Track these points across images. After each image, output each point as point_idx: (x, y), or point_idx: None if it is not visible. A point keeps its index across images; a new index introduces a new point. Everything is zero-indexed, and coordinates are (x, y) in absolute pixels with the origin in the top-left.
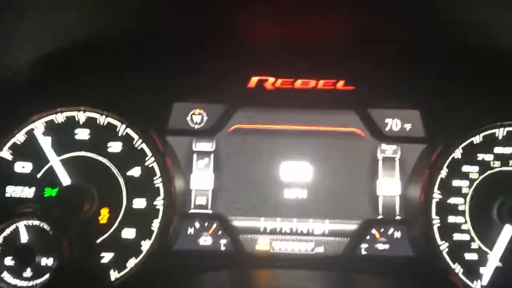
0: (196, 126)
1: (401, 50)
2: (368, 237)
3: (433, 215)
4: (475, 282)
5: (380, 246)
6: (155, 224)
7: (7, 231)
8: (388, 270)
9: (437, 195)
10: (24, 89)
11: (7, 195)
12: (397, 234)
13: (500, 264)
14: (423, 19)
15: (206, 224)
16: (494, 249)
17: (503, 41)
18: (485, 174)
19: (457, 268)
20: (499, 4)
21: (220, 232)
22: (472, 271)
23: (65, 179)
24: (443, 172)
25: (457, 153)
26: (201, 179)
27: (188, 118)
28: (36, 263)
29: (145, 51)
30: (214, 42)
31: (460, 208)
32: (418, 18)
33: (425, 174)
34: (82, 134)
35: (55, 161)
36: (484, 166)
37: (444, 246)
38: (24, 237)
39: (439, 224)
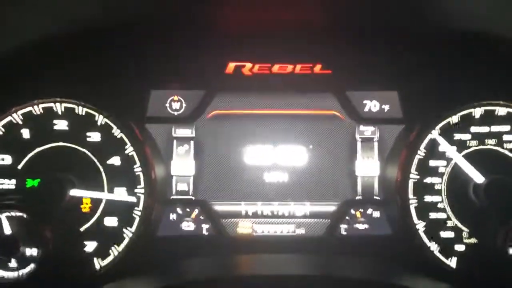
0: (176, 113)
1: (377, 32)
2: (348, 218)
3: (410, 195)
4: (450, 259)
5: (360, 226)
6: (136, 212)
7: None
8: (368, 249)
9: (414, 175)
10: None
11: None
12: (376, 214)
13: (474, 241)
14: (398, 5)
15: (188, 210)
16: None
17: (478, 24)
18: (462, 153)
19: (433, 246)
20: None
21: (202, 217)
22: (448, 248)
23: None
24: (421, 153)
25: (434, 134)
26: (182, 165)
27: (167, 105)
28: (21, 254)
29: (121, 39)
30: (190, 29)
31: (437, 187)
32: (393, 4)
33: (402, 154)
34: (61, 124)
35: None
36: (461, 145)
37: (420, 225)
38: (7, 229)
39: (416, 204)
